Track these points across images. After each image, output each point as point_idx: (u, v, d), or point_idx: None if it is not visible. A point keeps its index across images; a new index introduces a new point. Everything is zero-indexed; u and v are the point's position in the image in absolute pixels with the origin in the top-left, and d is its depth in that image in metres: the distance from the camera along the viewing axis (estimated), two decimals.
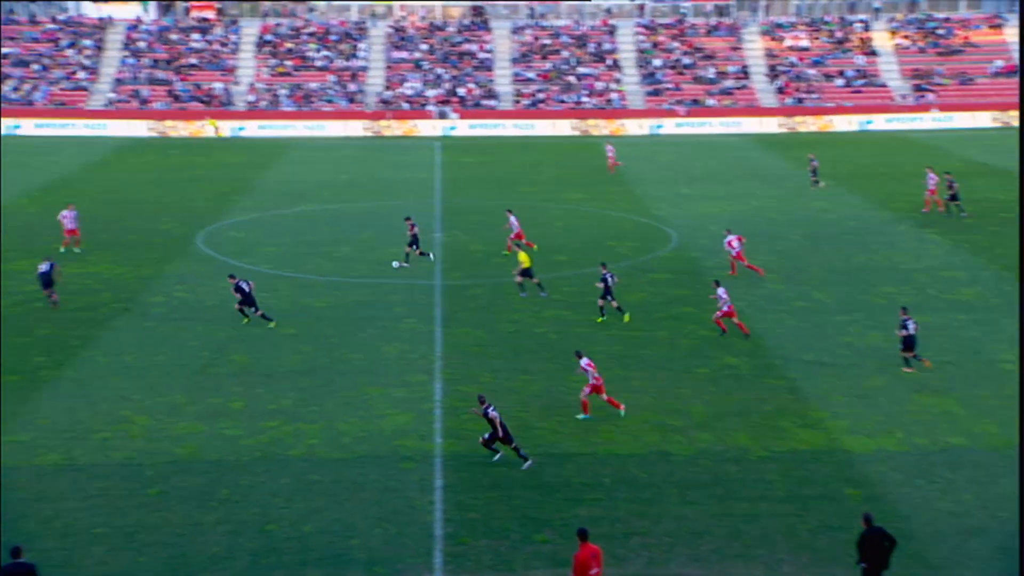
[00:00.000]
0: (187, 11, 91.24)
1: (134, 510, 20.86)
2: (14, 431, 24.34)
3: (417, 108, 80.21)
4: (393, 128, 78.17)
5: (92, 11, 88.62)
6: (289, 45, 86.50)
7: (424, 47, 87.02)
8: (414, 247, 39.10)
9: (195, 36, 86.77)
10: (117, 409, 25.79)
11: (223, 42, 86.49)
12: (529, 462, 22.80)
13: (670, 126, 78.94)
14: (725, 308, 31.24)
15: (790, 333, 31.88)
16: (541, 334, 31.81)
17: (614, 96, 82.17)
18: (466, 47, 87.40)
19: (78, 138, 73.47)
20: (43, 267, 34.77)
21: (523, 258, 35.65)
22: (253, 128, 77.31)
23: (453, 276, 38.13)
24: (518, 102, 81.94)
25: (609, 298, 32.71)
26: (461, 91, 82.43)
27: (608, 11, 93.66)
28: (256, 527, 20.29)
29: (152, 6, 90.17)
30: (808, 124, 79.02)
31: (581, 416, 25.40)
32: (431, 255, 39.85)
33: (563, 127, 78.62)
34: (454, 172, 62.27)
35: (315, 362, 29.42)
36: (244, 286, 32.43)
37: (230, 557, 19.29)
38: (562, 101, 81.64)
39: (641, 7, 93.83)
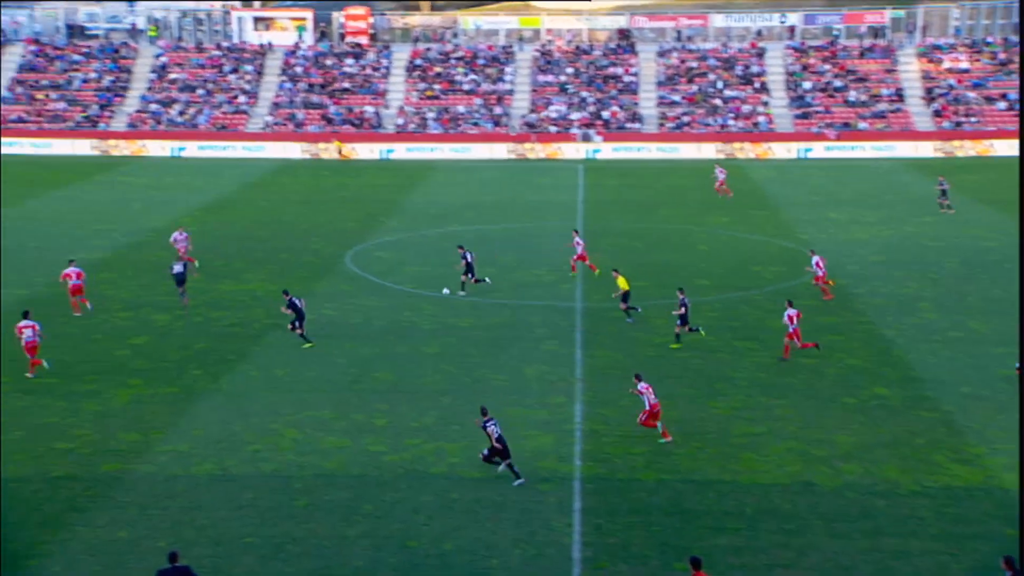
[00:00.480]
0: (342, 37, 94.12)
1: (283, 521, 21.51)
2: (173, 441, 25.42)
3: (561, 131, 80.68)
4: (537, 150, 78.79)
5: (254, 38, 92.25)
6: (438, 69, 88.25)
7: (570, 71, 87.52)
8: (470, 275, 38.67)
9: (348, 61, 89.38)
10: (268, 422, 26.66)
11: (375, 67, 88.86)
12: (521, 480, 22.91)
13: (819, 150, 77.22)
14: (791, 330, 30.78)
15: (944, 364, 30.73)
16: (683, 359, 31.49)
17: (761, 119, 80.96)
18: (611, 70, 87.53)
19: (237, 160, 76.49)
20: (177, 267, 37.72)
21: (622, 282, 35.17)
22: (401, 150, 79.08)
23: (594, 298, 38.12)
24: (662, 125, 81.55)
25: (684, 325, 32.35)
26: (605, 114, 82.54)
27: (758, 33, 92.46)
28: (398, 543, 20.65)
29: (309, 32, 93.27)
30: (966, 148, 76.14)
31: (662, 440, 25.18)
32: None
33: (708, 150, 77.82)
34: (596, 194, 62.33)
35: (457, 381, 29.82)
36: (297, 303, 32.96)
37: (373, 572, 19.68)
38: (707, 124, 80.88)
39: (791, 29, 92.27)
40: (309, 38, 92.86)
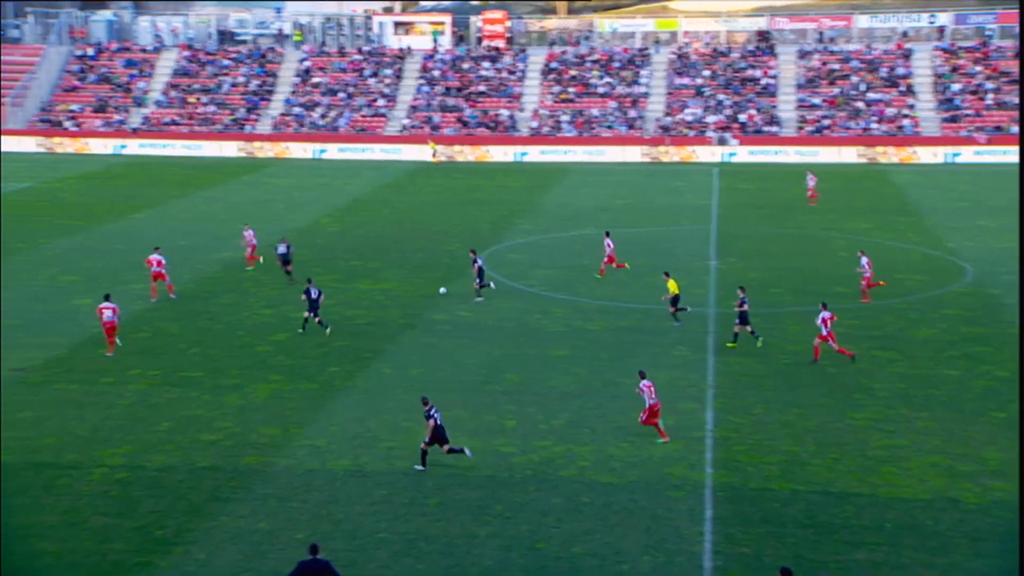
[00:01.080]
0: (479, 41, 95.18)
1: (415, 518, 21.86)
2: (311, 436, 26.11)
3: (696, 134, 79.79)
4: (671, 154, 78.12)
5: (394, 42, 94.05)
6: (573, 72, 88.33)
7: (707, 73, 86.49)
8: (479, 280, 38.41)
9: (485, 64, 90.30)
10: (401, 420, 27.12)
11: (511, 70, 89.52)
12: (468, 452, 24.02)
13: (968, 154, 74.39)
14: (824, 332, 30.37)
15: None
16: (819, 367, 30.77)
17: (906, 122, 78.45)
18: (749, 73, 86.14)
19: (375, 162, 78.08)
20: (281, 248, 41.21)
21: (672, 286, 35.05)
22: (535, 153, 79.46)
23: (727, 304, 37.57)
24: (801, 128, 79.80)
25: (746, 325, 32.31)
26: (742, 117, 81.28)
27: (904, 34, 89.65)
28: (527, 544, 20.76)
29: (447, 36, 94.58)
30: None
31: (660, 440, 25.32)
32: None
33: (849, 154, 75.83)
34: (732, 198, 61.42)
35: (587, 385, 29.79)
36: (313, 292, 34.19)
37: (502, 572, 19.83)
38: (848, 128, 78.81)
39: (940, 30, 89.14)
40: (447, 42, 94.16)
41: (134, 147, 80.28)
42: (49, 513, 21.77)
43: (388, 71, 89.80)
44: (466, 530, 21.32)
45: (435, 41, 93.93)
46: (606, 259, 41.77)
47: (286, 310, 37.25)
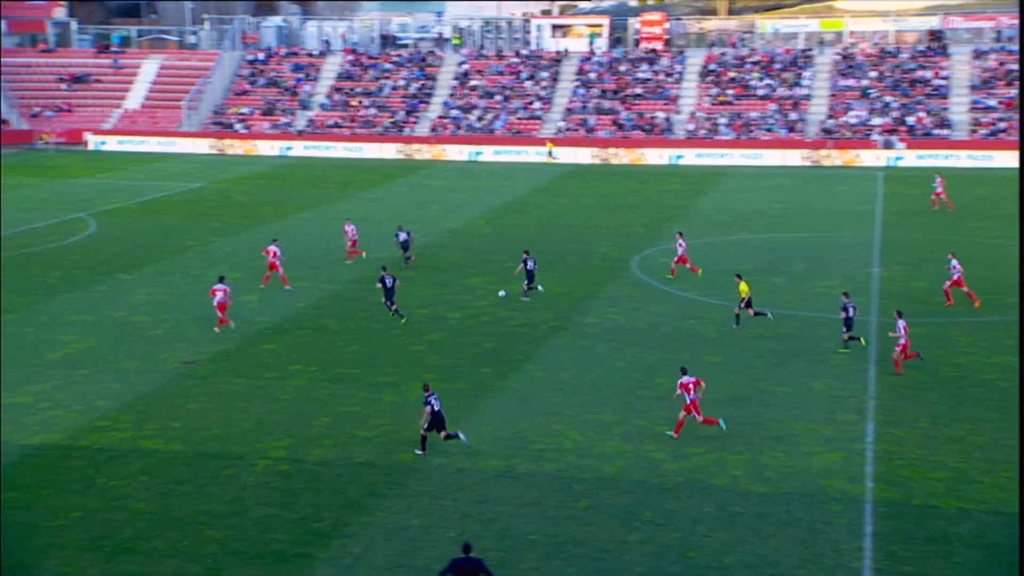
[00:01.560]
0: (636, 43, 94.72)
1: (564, 521, 21.85)
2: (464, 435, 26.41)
3: (861, 137, 77.38)
4: (833, 158, 75.95)
5: (551, 45, 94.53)
6: (732, 74, 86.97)
7: (873, 74, 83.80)
8: (528, 282, 38.88)
9: (643, 67, 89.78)
10: (552, 423, 27.18)
11: (668, 72, 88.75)
12: (463, 437, 24.80)
13: None
14: (902, 342, 29.73)
15: None
16: (988, 380, 29.42)
17: None
18: (920, 73, 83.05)
19: (530, 164, 78.58)
20: (402, 235, 44.35)
21: (743, 288, 34.85)
22: (691, 156, 78.52)
23: (890, 313, 36.26)
24: (975, 132, 76.47)
25: (848, 331, 32.13)
26: (910, 120, 78.40)
27: None
28: (678, 552, 20.49)
29: (604, 39, 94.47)
30: None
31: (670, 433, 26.13)
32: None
33: None
34: (897, 204, 59.30)
35: (740, 392, 29.24)
36: (388, 281, 35.91)
37: None
38: None
39: None
40: (603, 44, 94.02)
41: (299, 149, 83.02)
42: (215, 502, 22.67)
43: (544, 74, 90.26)
44: (616, 535, 21.19)
45: (591, 44, 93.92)
46: (677, 259, 42.11)
47: (440, 310, 37.84)
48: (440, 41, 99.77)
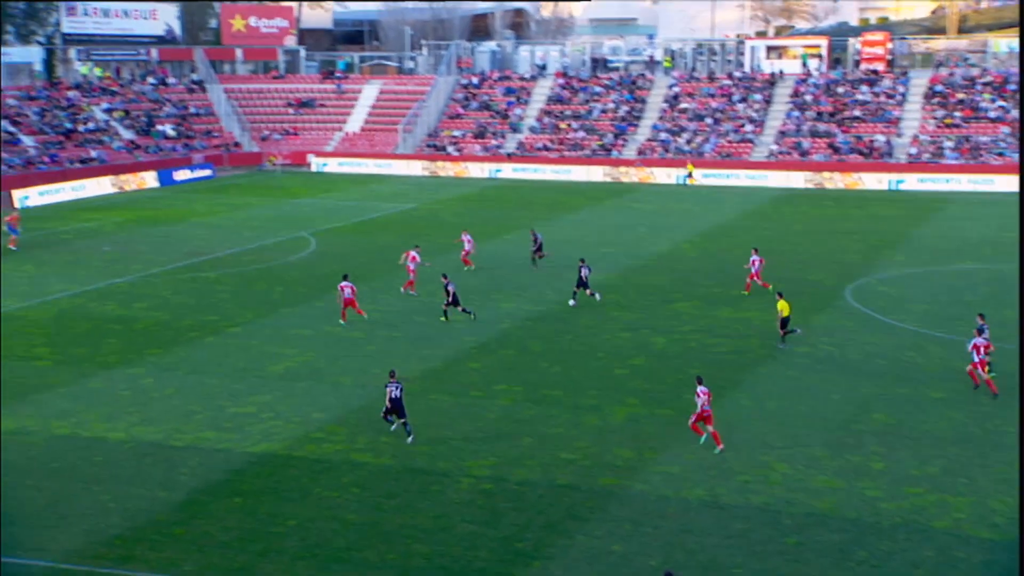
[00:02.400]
0: (856, 64, 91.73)
1: (772, 556, 21.16)
2: (666, 462, 26.05)
3: None
4: None
5: (765, 67, 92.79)
6: (961, 95, 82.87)
7: None
8: (583, 288, 40.92)
9: (862, 88, 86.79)
10: (758, 454, 26.44)
11: (889, 94, 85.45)
12: (411, 438, 26.95)
13: None
14: (976, 359, 29.75)
15: None
16: None
17: None
18: None
19: (739, 188, 77.16)
20: (538, 236, 48.56)
21: (782, 306, 35.22)
22: (912, 181, 75.19)
23: None
24: None
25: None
26: None
27: None
28: None
29: (821, 60, 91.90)
30: None
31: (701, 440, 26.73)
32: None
33: None
34: None
35: (966, 430, 27.63)
36: (451, 287, 38.28)
37: None
38: None
39: None
40: (818, 65, 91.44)
41: (508, 171, 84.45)
42: (422, 516, 23.16)
43: (757, 96, 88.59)
44: (826, 574, 20.34)
45: (804, 65, 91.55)
46: (751, 276, 43.04)
47: (644, 335, 37.53)
48: (651, 64, 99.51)
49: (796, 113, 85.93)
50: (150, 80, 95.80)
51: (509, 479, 25.06)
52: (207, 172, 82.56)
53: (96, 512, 23.22)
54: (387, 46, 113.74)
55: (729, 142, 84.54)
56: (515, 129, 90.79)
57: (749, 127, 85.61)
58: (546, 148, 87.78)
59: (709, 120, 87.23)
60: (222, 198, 71.23)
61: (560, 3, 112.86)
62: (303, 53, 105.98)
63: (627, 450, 26.83)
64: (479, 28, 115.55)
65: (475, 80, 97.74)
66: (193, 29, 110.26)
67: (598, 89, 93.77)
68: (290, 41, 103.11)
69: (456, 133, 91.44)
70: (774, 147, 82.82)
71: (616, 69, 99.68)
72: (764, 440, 27.30)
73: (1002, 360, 32.83)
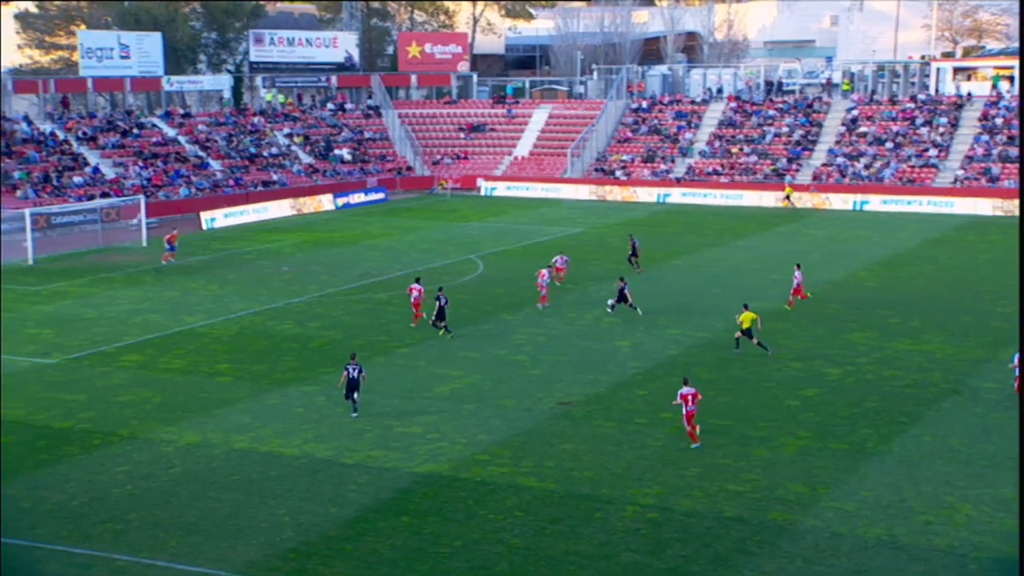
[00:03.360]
0: None
1: None
2: (839, 498, 25.06)
3: None
4: None
5: (951, 89, 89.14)
6: None
7: None
8: (624, 302, 42.69)
9: None
10: (941, 493, 25.15)
11: None
12: (355, 414, 30.31)
13: None
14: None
15: None
16: None
17: None
18: None
19: (921, 214, 74.17)
20: (635, 241, 53.34)
21: (744, 317, 37.27)
22: None
23: None
24: None
25: None
26: None
27: None
28: None
29: (1010, 83, 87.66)
30: None
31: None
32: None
33: None
34: None
35: None
36: (442, 299, 39.99)
37: None
38: None
39: None
40: (1008, 87, 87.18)
41: (676, 196, 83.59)
42: (586, 543, 22.92)
43: (943, 119, 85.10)
44: None
45: (995, 87, 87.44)
46: (793, 290, 44.91)
47: (817, 365, 36.36)
48: (828, 87, 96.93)
49: (985, 137, 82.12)
50: (329, 106, 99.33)
51: (675, 509, 24.58)
52: (380, 195, 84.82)
53: (272, 525, 23.93)
54: (557, 70, 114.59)
55: (911, 167, 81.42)
56: (685, 153, 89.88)
57: (933, 152, 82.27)
58: (716, 172, 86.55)
59: (889, 144, 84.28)
60: (394, 221, 73.01)
61: (735, 26, 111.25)
62: (475, 78, 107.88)
63: (799, 484, 25.95)
64: (650, 52, 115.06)
65: (645, 104, 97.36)
66: (371, 56, 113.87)
67: (772, 112, 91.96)
68: (463, 67, 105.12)
69: (625, 157, 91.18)
70: (960, 172, 79.29)
71: (791, 92, 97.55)
72: (947, 479, 25.97)
73: None
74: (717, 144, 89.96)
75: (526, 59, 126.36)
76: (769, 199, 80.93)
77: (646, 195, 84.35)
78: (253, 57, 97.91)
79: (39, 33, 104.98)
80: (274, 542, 23.05)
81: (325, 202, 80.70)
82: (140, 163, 78.92)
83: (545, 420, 31.10)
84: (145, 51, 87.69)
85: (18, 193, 69.47)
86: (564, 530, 23.58)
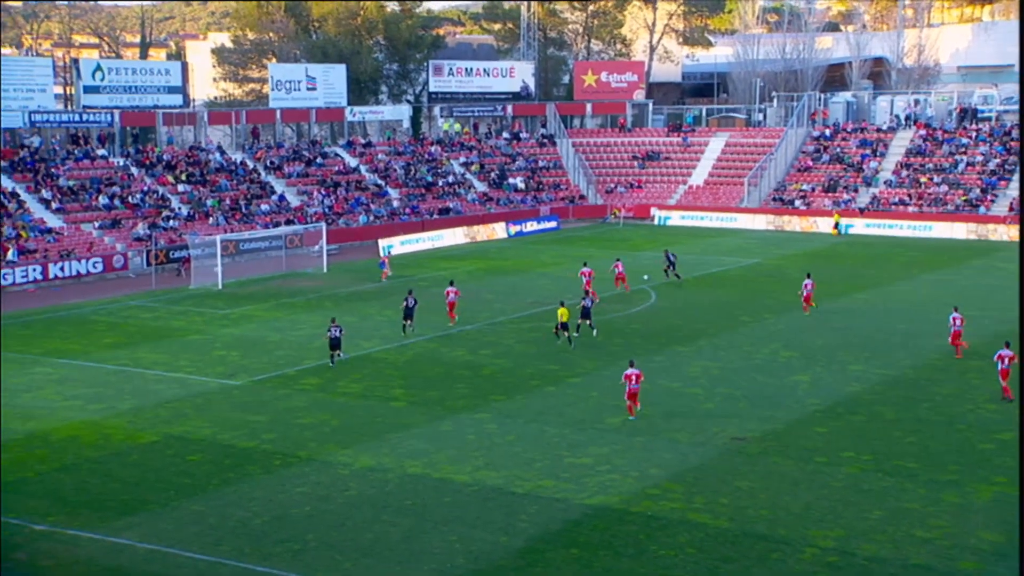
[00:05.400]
0: None
1: None
2: None
3: None
4: None
5: None
6: None
7: None
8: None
9: None
10: None
11: None
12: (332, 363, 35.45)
13: None
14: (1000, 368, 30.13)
15: None
16: None
17: None
18: None
19: None
20: (670, 256, 56.93)
21: (562, 312, 42.06)
22: None
23: None
24: None
25: None
26: None
27: None
28: None
29: None
30: None
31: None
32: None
33: None
34: None
35: None
36: (410, 301, 43.93)
37: None
38: None
39: None
40: None
41: (860, 227, 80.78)
42: None
43: None
44: None
45: None
46: (804, 297, 48.83)
47: (1013, 408, 34.17)
48: None
49: None
50: (504, 135, 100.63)
51: (857, 553, 23.43)
52: (552, 224, 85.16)
53: (444, 552, 23.99)
54: (735, 98, 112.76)
55: None
56: (869, 183, 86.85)
57: None
58: (903, 203, 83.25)
59: None
60: (566, 249, 73.08)
61: (926, 51, 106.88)
62: (651, 106, 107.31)
63: (993, 533, 24.36)
64: (834, 78, 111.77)
65: (827, 132, 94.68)
66: (547, 85, 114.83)
67: (965, 141, 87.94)
68: (639, 95, 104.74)
69: (805, 187, 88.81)
70: None
71: (987, 119, 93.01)
72: None
73: None
74: (904, 173, 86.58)
75: (703, 87, 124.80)
76: (961, 231, 77.26)
77: (827, 226, 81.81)
78: (432, 87, 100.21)
79: (233, 67, 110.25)
80: (446, 568, 23.10)
81: (498, 230, 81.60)
82: (322, 191, 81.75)
83: (719, 455, 30.26)
84: (331, 83, 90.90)
85: (210, 220, 72.93)
86: (738, 570, 22.79)
